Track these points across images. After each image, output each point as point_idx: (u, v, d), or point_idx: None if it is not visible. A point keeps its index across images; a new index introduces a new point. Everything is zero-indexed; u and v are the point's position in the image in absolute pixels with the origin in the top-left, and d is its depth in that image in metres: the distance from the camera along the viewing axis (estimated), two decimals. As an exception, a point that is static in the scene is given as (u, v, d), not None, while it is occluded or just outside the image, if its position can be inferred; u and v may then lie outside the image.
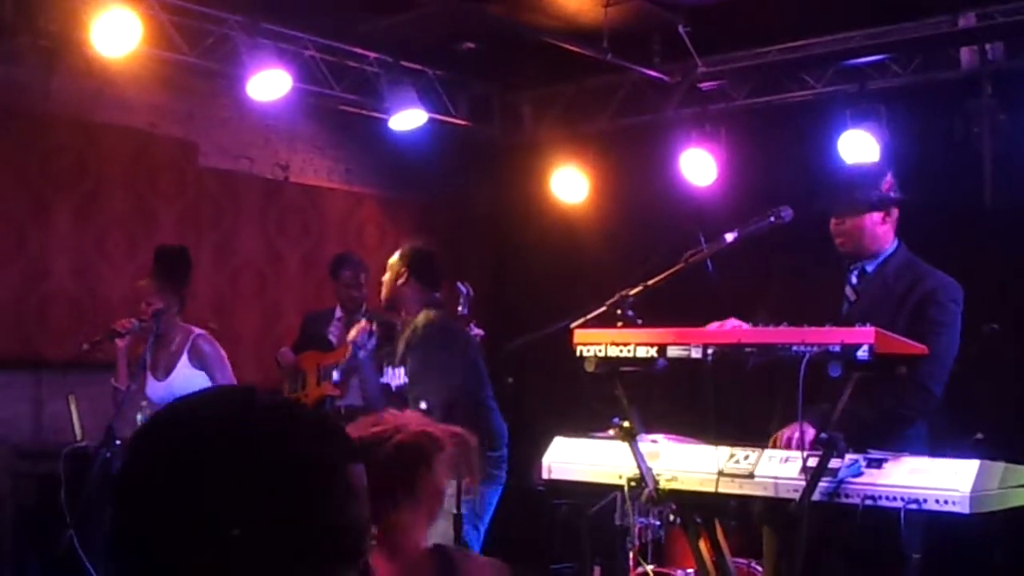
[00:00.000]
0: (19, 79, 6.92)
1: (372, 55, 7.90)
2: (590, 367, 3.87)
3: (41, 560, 6.23)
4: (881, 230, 4.38)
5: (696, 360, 3.68)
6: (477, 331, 6.10)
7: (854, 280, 4.39)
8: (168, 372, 5.79)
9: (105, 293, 7.21)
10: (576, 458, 4.14)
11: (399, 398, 5.40)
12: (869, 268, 4.39)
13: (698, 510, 3.93)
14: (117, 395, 5.78)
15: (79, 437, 6.18)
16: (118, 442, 5.36)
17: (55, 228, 7.03)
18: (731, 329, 3.84)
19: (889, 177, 4.46)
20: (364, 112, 8.15)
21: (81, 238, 7.15)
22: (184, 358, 5.80)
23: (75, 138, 7.15)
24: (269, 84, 7.02)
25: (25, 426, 6.90)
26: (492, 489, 5.63)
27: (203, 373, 5.78)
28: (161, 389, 5.75)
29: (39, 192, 6.96)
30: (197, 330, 5.87)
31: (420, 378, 5.42)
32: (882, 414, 3.99)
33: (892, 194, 4.38)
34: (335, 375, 6.62)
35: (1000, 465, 3.42)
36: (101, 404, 5.99)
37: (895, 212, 4.42)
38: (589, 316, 4.04)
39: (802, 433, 3.71)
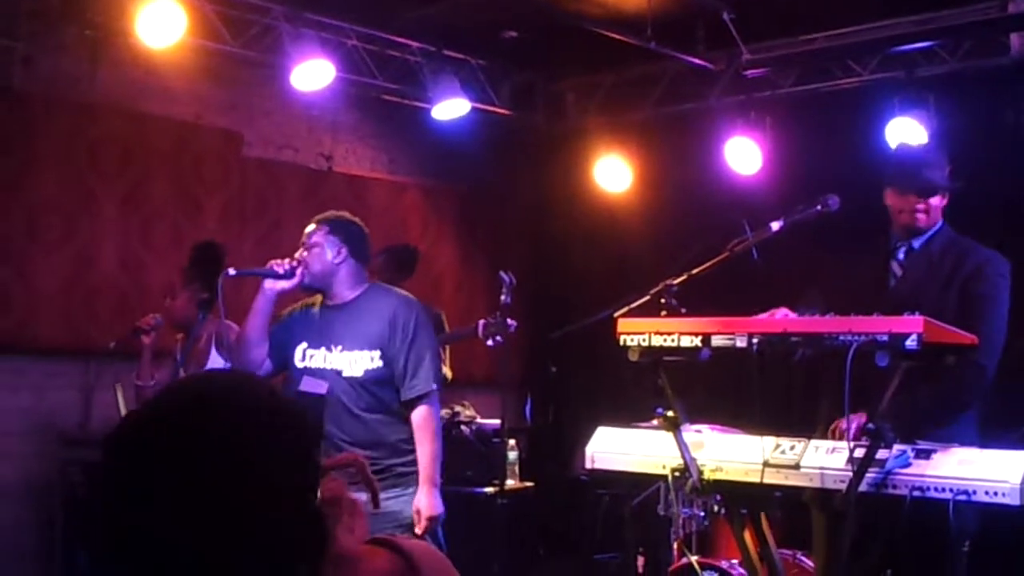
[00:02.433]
0: (65, 69, 6.97)
1: (415, 44, 7.90)
2: (634, 356, 3.85)
3: (89, 547, 6.29)
4: (941, 209, 4.37)
5: (741, 349, 3.65)
6: (511, 322, 6.03)
7: (901, 257, 4.37)
8: (201, 365, 5.80)
9: (150, 283, 7.24)
10: (619, 448, 4.13)
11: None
12: (916, 245, 4.35)
13: (743, 501, 3.90)
14: (140, 393, 5.79)
15: (125, 425, 6.21)
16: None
17: (102, 218, 7.08)
18: (777, 319, 3.81)
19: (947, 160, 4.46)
20: (407, 101, 8.15)
21: (127, 228, 7.19)
22: (212, 350, 5.79)
23: (121, 128, 7.19)
24: (312, 74, 7.03)
25: (73, 414, 6.97)
26: None
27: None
28: None
29: (86, 182, 7.01)
30: (225, 321, 5.84)
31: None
32: (942, 400, 3.95)
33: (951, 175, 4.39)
34: None
35: (1051, 456, 3.36)
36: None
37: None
38: (633, 305, 4.02)
39: (853, 423, 3.65)
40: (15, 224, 6.71)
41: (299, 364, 4.71)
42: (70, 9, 6.74)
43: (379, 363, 4.63)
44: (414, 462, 4.64)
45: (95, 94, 7.09)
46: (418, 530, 4.45)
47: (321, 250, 4.68)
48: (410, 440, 4.64)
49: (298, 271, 4.66)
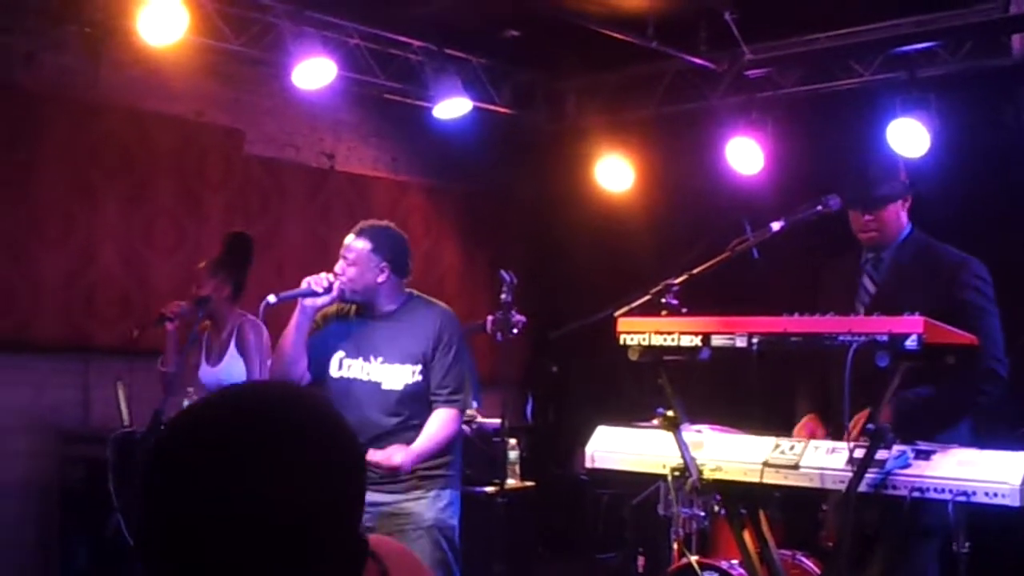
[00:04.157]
0: (67, 68, 6.98)
1: (416, 43, 7.90)
2: (634, 356, 3.85)
3: (89, 544, 6.29)
4: (902, 217, 4.45)
5: (741, 349, 3.65)
6: (519, 317, 6.03)
7: (869, 268, 4.43)
8: (220, 358, 5.83)
9: (152, 280, 7.26)
10: (620, 447, 4.13)
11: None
12: (885, 256, 4.42)
13: (743, 501, 3.90)
14: (164, 379, 5.85)
15: (127, 422, 6.22)
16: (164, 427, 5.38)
17: (103, 215, 7.09)
18: (777, 318, 3.80)
19: (902, 164, 4.54)
20: (409, 100, 8.15)
21: (129, 225, 7.20)
22: (231, 345, 5.83)
23: (122, 126, 7.20)
24: (314, 72, 7.03)
25: (73, 411, 6.97)
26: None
27: (243, 360, 5.79)
28: (211, 375, 5.80)
29: (87, 180, 7.02)
30: (248, 316, 5.85)
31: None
32: (957, 400, 3.97)
33: (907, 180, 4.47)
34: None
35: (1051, 457, 3.36)
36: (148, 390, 6.03)
37: (910, 197, 4.48)
38: (633, 304, 4.02)
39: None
40: (17, 222, 6.72)
41: (335, 374, 4.66)
42: (72, 7, 6.74)
43: (419, 377, 4.60)
44: (437, 466, 4.62)
45: (97, 92, 7.09)
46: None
47: (363, 268, 4.61)
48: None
49: (336, 286, 4.59)
